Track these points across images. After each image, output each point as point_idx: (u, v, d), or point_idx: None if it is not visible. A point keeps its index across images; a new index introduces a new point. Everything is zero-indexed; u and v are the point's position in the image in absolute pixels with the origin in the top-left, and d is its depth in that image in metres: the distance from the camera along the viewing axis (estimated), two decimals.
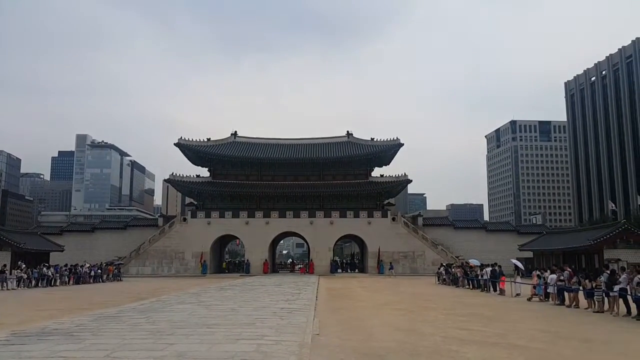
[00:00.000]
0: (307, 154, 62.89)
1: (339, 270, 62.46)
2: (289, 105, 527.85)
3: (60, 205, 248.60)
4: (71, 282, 40.42)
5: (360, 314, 17.71)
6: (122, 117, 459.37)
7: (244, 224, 58.88)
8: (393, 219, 59.21)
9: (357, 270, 65.42)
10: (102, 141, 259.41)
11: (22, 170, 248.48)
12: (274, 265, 67.81)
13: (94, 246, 60.37)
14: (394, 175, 61.84)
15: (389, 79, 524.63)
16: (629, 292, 17.01)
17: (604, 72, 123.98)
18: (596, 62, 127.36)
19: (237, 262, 73.15)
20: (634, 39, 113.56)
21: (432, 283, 39.04)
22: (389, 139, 62.57)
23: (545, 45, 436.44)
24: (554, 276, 22.16)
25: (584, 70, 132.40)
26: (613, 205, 71.06)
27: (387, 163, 66.58)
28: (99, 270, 44.70)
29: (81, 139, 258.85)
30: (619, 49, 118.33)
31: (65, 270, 41.08)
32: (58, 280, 39.01)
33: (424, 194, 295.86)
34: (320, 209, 59.78)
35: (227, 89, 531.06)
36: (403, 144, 61.57)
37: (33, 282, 36.52)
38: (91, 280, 42.41)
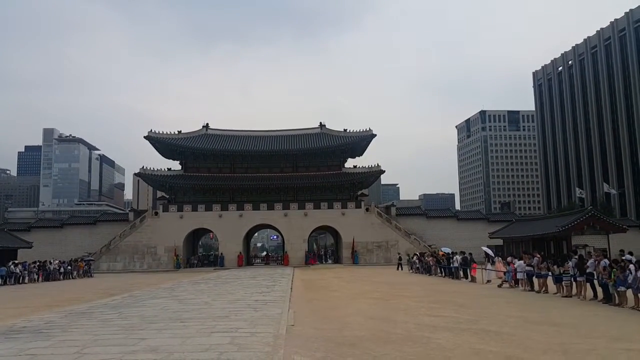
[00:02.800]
0: (281, 146, 62.65)
1: (317, 262, 62.55)
2: (261, 98, 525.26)
3: (28, 201, 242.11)
4: (40, 279, 39.54)
5: (334, 304, 17.81)
6: (90, 111, 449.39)
7: (217, 217, 58.43)
8: (367, 210, 59.59)
9: (331, 261, 65.65)
10: (70, 135, 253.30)
11: None
12: (249, 258, 67.55)
13: (63, 242, 59.10)
14: (367, 166, 62.15)
15: (361, 70, 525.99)
16: (595, 277, 17.51)
17: (570, 62, 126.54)
18: (563, 52, 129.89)
19: (209, 255, 72.33)
20: (599, 29, 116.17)
21: (406, 272, 39.51)
22: (361, 130, 62.79)
23: (515, 36, 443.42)
24: (522, 262, 22.66)
25: (551, 60, 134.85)
26: (581, 191, 72.82)
27: (360, 154, 66.88)
28: (69, 267, 43.83)
29: (48, 133, 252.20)
30: (584, 39, 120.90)
31: (34, 267, 40.13)
32: (27, 278, 38.14)
33: (397, 184, 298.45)
34: (294, 200, 59.73)
35: (198, 81, 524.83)
36: (376, 135, 61.90)
37: (0, 280, 35.59)
38: (61, 277, 41.60)
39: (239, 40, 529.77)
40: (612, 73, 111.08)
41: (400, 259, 46.66)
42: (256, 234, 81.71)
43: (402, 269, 43.13)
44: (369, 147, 65.21)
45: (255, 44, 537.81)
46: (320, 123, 66.99)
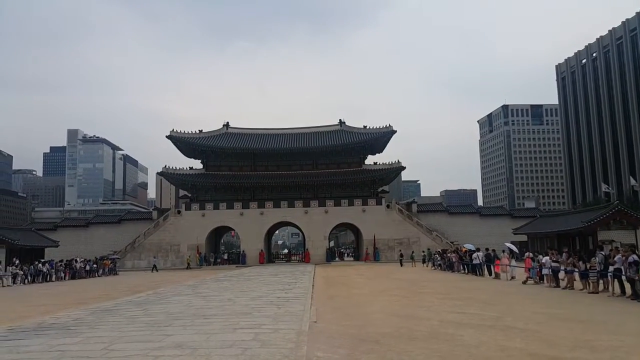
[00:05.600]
0: (300, 144, 62.77)
1: (336, 259, 62.67)
2: (279, 96, 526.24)
3: (54, 201, 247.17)
4: (67, 277, 40.38)
5: (356, 300, 17.78)
6: (113, 111, 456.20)
7: (239, 215, 58.86)
8: (387, 206, 59.36)
9: (352, 258, 65.62)
10: (94, 136, 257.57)
11: (14, 167, 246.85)
12: (270, 256, 67.93)
13: (89, 241, 60.23)
14: (387, 163, 61.88)
15: (380, 66, 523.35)
16: (623, 273, 17.15)
17: (594, 54, 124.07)
18: (587, 44, 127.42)
19: (230, 253, 72.47)
20: (624, 20, 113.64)
21: (428, 269, 39.26)
22: (381, 127, 62.57)
23: (536, 29, 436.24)
24: (548, 258, 22.32)
25: (575, 53, 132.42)
26: (607, 186, 71.39)
27: (381, 151, 66.66)
28: (95, 265, 44.63)
29: (72, 134, 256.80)
30: (609, 31, 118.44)
31: (61, 265, 41.00)
32: (54, 276, 38.97)
33: (417, 180, 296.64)
34: (315, 198, 59.81)
35: (215, 79, 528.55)
36: (396, 131, 61.59)
37: (29, 278, 36.44)
38: (87, 275, 42.39)
39: (254, 38, 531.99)
40: (638, 64, 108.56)
41: (401, 255, 48.13)
42: (277, 232, 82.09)
43: (401, 265, 44.03)
44: (389, 144, 64.97)
45: (271, 41, 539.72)
46: (340, 120, 66.92)
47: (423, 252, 48.97)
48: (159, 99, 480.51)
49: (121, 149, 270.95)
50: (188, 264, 55.14)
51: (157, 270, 49.84)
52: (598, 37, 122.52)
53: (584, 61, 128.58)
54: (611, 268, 17.82)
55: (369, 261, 54.73)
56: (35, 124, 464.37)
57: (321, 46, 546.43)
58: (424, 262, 45.34)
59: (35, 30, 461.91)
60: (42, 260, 40.95)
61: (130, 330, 11.15)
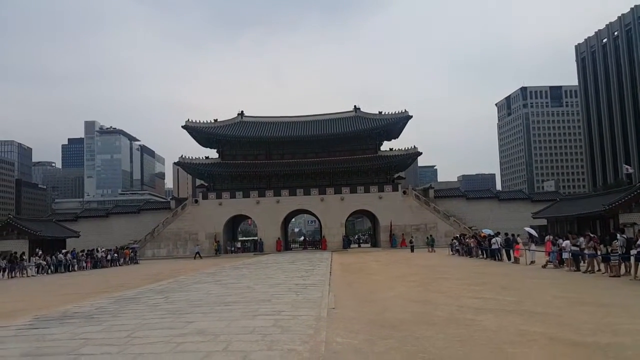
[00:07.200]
0: (315, 131, 62.66)
1: (352, 245, 62.78)
2: (293, 84, 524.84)
3: (74, 192, 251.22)
4: (89, 267, 41.07)
5: (374, 287, 17.81)
6: (128, 102, 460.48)
7: (255, 204, 59.17)
8: (404, 193, 59.13)
9: (369, 245, 65.67)
10: (111, 127, 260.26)
11: (34, 159, 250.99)
12: (287, 243, 68.31)
13: (109, 231, 61.14)
14: (403, 149, 61.52)
15: (393, 52, 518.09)
16: None
17: (615, 33, 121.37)
18: (607, 23, 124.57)
19: (246, 241, 73.26)
20: None
21: (446, 254, 39.13)
22: (397, 112, 62.11)
23: (556, 9, 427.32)
24: (568, 242, 22.08)
25: (595, 32, 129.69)
26: (628, 167, 69.92)
27: (396, 136, 66.26)
28: (115, 255, 45.34)
29: (90, 125, 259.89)
30: (631, 9, 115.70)
31: (83, 255, 41.72)
32: (76, 266, 39.66)
33: (434, 166, 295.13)
34: (331, 185, 59.80)
35: (229, 70, 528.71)
36: (412, 116, 61.11)
37: (52, 268, 37.16)
38: (108, 265, 43.08)
39: (266, 27, 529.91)
40: None
41: (411, 241, 48.16)
42: (293, 219, 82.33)
43: (412, 251, 44.27)
44: (404, 129, 64.52)
45: (283, 29, 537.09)
46: (355, 106, 66.54)
47: (427, 237, 48.86)
48: (174, 90, 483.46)
49: (138, 140, 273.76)
50: (216, 250, 56.13)
51: (200, 257, 50.26)
52: (619, 15, 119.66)
53: (604, 40, 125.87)
54: (634, 251, 17.56)
55: (405, 246, 53.30)
56: (53, 117, 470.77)
57: (335, 34, 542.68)
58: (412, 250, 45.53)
59: (50, 25, 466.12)
60: (64, 251, 41.71)
61: (152, 317, 11.31)
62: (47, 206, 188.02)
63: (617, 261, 18.44)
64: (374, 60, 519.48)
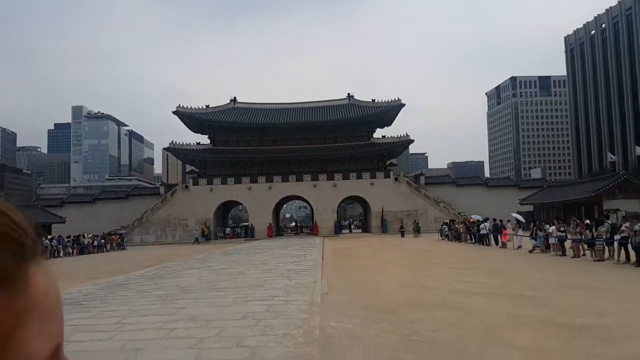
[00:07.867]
0: (309, 118, 62.43)
1: (343, 231, 63.04)
2: (288, 71, 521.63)
3: (59, 177, 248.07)
4: (75, 253, 40.39)
5: (366, 271, 17.95)
6: (117, 87, 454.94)
7: (247, 190, 59.02)
8: (396, 179, 59.30)
9: (360, 230, 66.00)
10: (98, 112, 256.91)
11: (18, 144, 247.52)
12: (279, 229, 68.35)
13: (96, 217, 60.48)
14: (395, 136, 61.57)
15: (388, 41, 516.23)
16: (629, 241, 17.24)
17: (603, 26, 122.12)
18: (596, 15, 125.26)
19: (237, 226, 72.13)
20: None
21: (436, 240, 39.46)
22: (390, 100, 62.08)
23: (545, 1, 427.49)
24: (554, 227, 22.40)
25: (584, 24, 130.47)
26: (612, 156, 70.86)
27: (389, 124, 66.31)
28: (102, 240, 44.95)
29: (77, 110, 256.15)
30: (618, 2, 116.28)
31: (69, 241, 41.20)
32: (62, 252, 39.02)
33: (425, 153, 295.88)
34: (323, 171, 59.76)
35: (224, 55, 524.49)
36: (404, 105, 61.18)
37: None
38: (95, 251, 42.68)
39: (262, 13, 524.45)
40: None
41: (401, 227, 48.48)
42: (285, 205, 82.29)
43: (402, 236, 45.26)
44: (397, 117, 64.56)
45: (279, 16, 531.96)
46: (348, 94, 66.31)
47: (413, 222, 49.37)
48: (167, 75, 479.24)
49: (126, 125, 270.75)
50: (206, 236, 55.53)
51: (198, 243, 50.14)
52: (607, 8, 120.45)
53: (592, 32, 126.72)
54: (617, 236, 17.93)
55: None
56: (40, 102, 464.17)
57: (329, 21, 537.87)
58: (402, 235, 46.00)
59: (36, 3, 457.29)
60: (50, 237, 41.20)
61: (142, 304, 11.27)
62: (32, 191, 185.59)
63: (601, 246, 18.79)
64: (367, 49, 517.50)
